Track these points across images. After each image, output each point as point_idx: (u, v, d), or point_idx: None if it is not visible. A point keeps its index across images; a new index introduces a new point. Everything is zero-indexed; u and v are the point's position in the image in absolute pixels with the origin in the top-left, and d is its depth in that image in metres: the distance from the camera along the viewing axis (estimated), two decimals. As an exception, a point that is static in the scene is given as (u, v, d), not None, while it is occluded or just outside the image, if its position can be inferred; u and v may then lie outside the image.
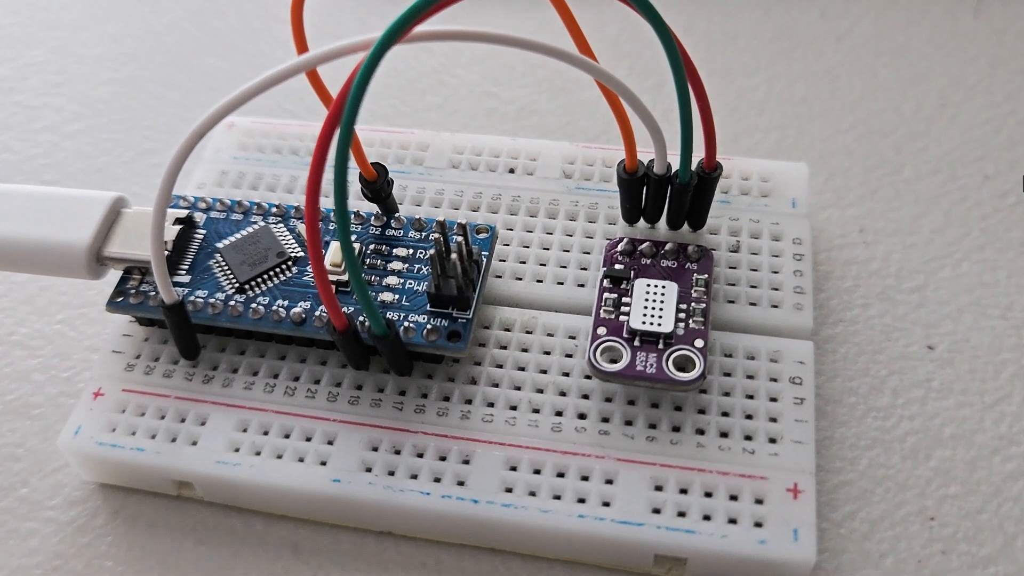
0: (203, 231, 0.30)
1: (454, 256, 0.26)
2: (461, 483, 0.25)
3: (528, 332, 0.28)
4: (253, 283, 0.28)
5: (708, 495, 0.25)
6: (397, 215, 0.29)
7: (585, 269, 0.29)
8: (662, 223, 0.30)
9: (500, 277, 0.29)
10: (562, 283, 0.29)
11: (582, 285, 0.29)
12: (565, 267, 0.29)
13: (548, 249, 0.30)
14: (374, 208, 0.30)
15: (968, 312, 0.30)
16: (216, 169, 0.33)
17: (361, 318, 0.26)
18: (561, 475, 0.25)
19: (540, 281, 0.29)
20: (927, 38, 0.38)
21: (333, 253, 0.28)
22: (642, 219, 0.30)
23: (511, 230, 0.30)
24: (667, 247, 0.28)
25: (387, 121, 0.37)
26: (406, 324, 0.27)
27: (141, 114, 0.38)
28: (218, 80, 0.39)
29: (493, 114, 0.37)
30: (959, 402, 0.28)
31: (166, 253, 0.28)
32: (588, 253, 0.30)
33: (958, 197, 0.33)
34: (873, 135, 0.35)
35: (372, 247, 0.29)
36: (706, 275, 0.28)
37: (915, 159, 0.35)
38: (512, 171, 0.32)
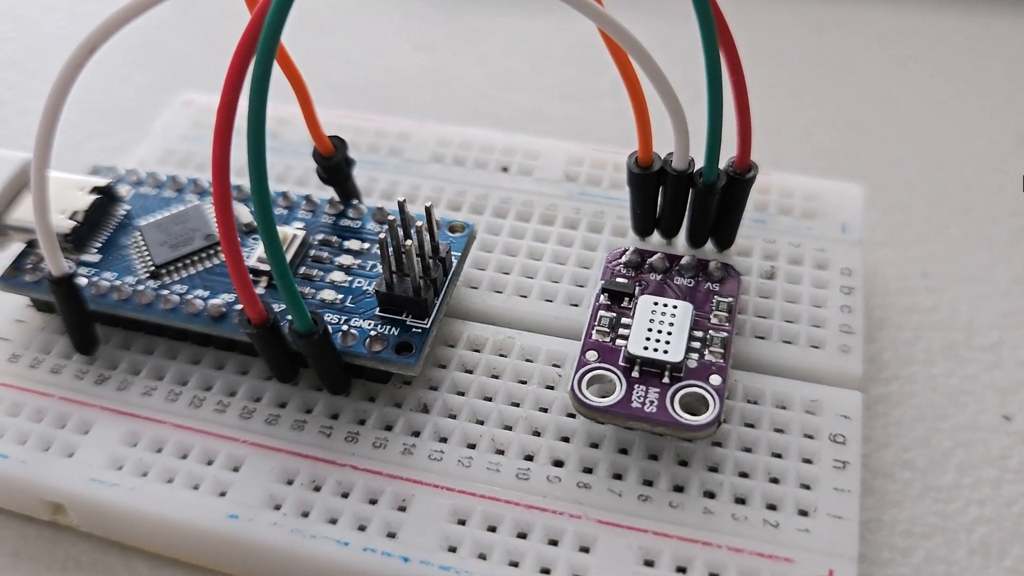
0: (128, 207, 0.25)
1: (409, 243, 0.20)
2: (392, 535, 0.20)
3: (502, 355, 0.22)
4: (171, 268, 0.23)
5: (714, 577, 0.19)
6: (356, 203, 0.24)
7: (582, 286, 0.24)
8: (681, 238, 0.24)
9: (475, 288, 0.24)
10: (551, 300, 0.23)
11: (576, 304, 0.23)
12: (557, 282, 0.24)
13: (538, 260, 0.24)
14: (331, 194, 0.25)
15: (1056, 379, 0.24)
16: (162, 147, 0.28)
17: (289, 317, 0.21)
18: (522, 535, 0.20)
19: (524, 296, 0.24)
20: (1005, 71, 0.33)
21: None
22: (656, 231, 0.24)
23: (496, 235, 0.25)
24: (683, 261, 0.23)
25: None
26: (345, 328, 0.21)
27: (100, 96, 0.34)
28: (188, 65, 0.35)
29: (492, 117, 0.32)
30: (1045, 488, 0.22)
31: (75, 224, 0.23)
32: (587, 268, 0.24)
33: (1042, 245, 0.27)
34: (938, 168, 0.30)
35: (321, 237, 0.23)
36: (730, 298, 0.22)
37: (989, 199, 0.29)
38: (505, 170, 0.27)
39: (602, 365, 0.21)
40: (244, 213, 0.24)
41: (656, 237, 0.24)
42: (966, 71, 0.34)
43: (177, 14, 0.37)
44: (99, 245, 0.24)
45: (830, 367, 0.22)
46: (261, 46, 0.17)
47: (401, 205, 0.21)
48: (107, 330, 0.23)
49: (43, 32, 0.37)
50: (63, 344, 0.23)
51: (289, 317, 0.20)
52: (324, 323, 0.20)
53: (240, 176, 0.27)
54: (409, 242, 0.20)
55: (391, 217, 0.21)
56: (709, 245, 0.24)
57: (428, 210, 0.21)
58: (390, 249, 0.21)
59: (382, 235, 0.20)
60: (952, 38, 0.35)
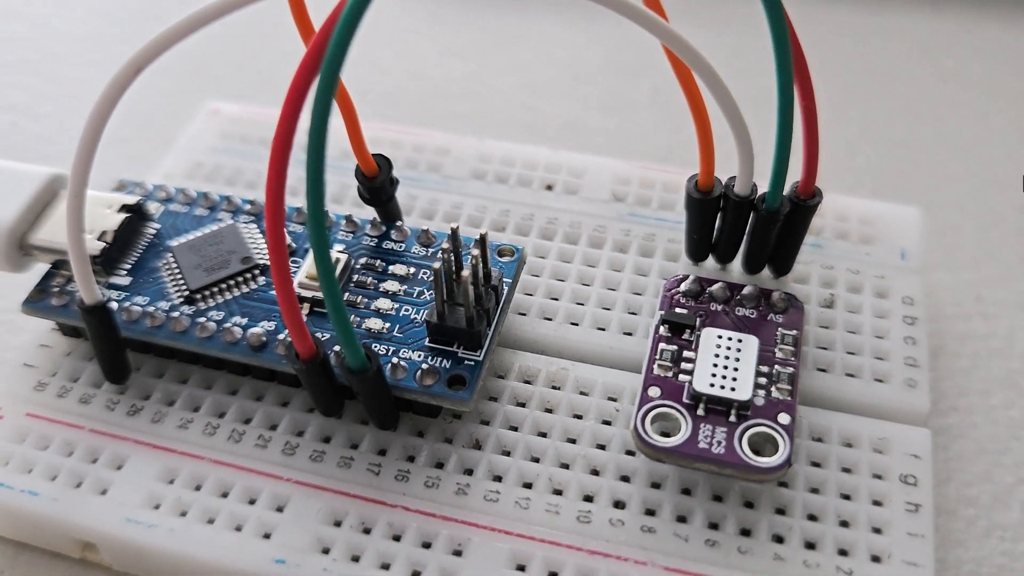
0: (157, 225, 0.24)
1: (466, 274, 0.19)
2: (448, 582, 0.19)
3: (555, 387, 0.21)
4: (207, 293, 0.22)
5: (788, 631, 0.18)
6: (400, 224, 0.23)
7: (634, 314, 0.23)
8: (736, 264, 0.23)
9: (524, 314, 0.23)
10: (603, 328, 0.23)
11: (629, 333, 0.22)
12: (609, 309, 0.23)
13: (588, 285, 0.23)
14: (372, 214, 0.23)
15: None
16: (189, 159, 0.27)
17: (337, 347, 0.20)
18: (585, 583, 0.19)
19: (575, 324, 0.23)
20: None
21: (310, 262, 0.22)
22: (711, 256, 0.23)
23: (543, 258, 0.24)
24: (745, 291, 0.22)
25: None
26: (395, 361, 0.20)
27: (122, 101, 0.33)
28: (214, 71, 0.34)
29: (530, 129, 0.31)
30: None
31: (104, 245, 0.22)
32: (639, 294, 0.23)
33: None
34: (990, 188, 0.29)
35: (364, 261, 0.22)
36: (795, 331, 0.21)
37: (1043, 220, 0.28)
38: (550, 188, 0.26)
39: (666, 402, 0.20)
40: (282, 234, 0.23)
41: (710, 262, 0.23)
42: (1011, 85, 0.33)
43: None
44: (128, 267, 0.23)
45: (896, 402, 0.21)
46: (326, 64, 0.15)
47: (454, 232, 0.20)
48: (138, 357, 0.22)
49: (58, 32, 0.36)
50: (91, 371, 0.22)
51: (337, 347, 0.19)
52: (378, 360, 0.19)
53: (263, 191, 0.26)
54: (466, 273, 0.19)
55: (444, 245, 0.20)
56: (765, 272, 0.23)
57: (483, 239, 0.20)
58: (444, 280, 0.20)
59: (437, 264, 0.19)
60: (995, 49, 0.34)
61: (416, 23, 0.34)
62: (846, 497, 0.20)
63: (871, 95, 0.32)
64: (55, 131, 0.32)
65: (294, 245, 0.23)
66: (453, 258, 0.20)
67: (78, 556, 0.21)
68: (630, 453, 0.20)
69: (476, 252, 0.20)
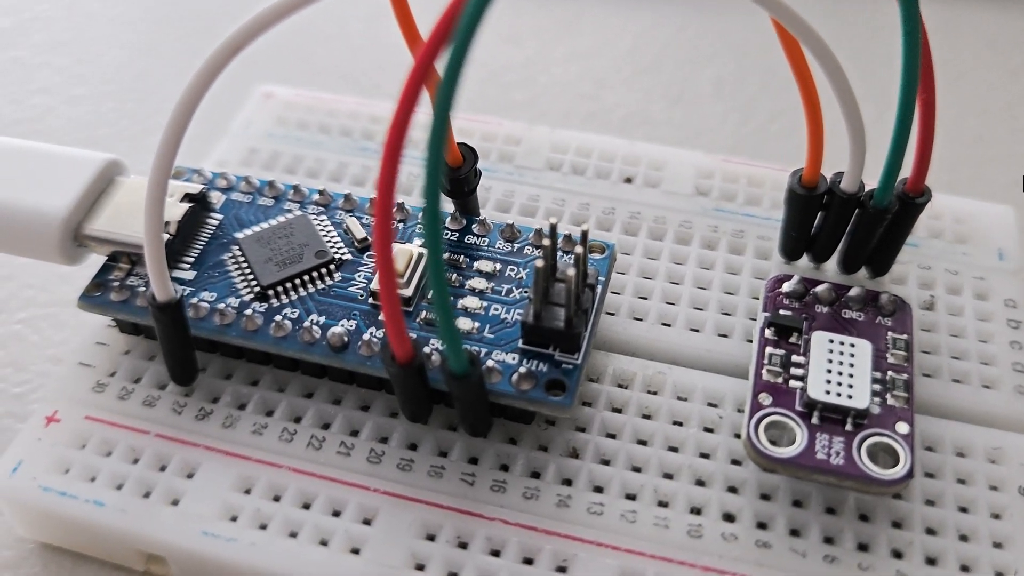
0: (219, 216, 0.22)
1: (571, 272, 0.18)
2: (554, 601, 0.17)
3: (652, 392, 0.20)
4: (279, 289, 0.21)
5: (919, 654, 0.17)
6: (483, 218, 0.22)
7: (728, 315, 0.22)
8: (831, 263, 0.22)
9: (613, 314, 0.22)
10: (697, 330, 0.21)
11: (725, 335, 0.21)
12: (702, 309, 0.22)
13: (678, 284, 0.22)
14: (448, 207, 0.22)
15: None
16: (244, 145, 0.26)
17: (429, 348, 0.19)
18: (700, 602, 0.18)
19: (667, 325, 0.21)
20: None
21: (397, 258, 0.20)
22: (806, 255, 0.22)
23: (627, 254, 0.23)
24: (851, 292, 0.21)
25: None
26: (488, 364, 0.19)
27: (157, 84, 0.31)
28: (253, 53, 0.32)
29: (593, 119, 0.30)
30: None
31: (167, 237, 0.21)
32: (732, 294, 0.22)
33: None
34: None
35: (446, 256, 0.21)
36: (905, 335, 0.20)
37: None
38: (629, 180, 0.24)
39: (779, 410, 0.19)
40: (355, 227, 0.22)
41: (803, 260, 0.22)
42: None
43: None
44: (191, 260, 0.21)
45: (1007, 410, 0.20)
46: (452, 54, 0.14)
47: (553, 228, 0.19)
48: (203, 357, 0.21)
49: (89, 11, 0.34)
50: (154, 371, 0.21)
51: (429, 349, 0.18)
52: (480, 364, 0.18)
53: (326, 180, 0.25)
54: (571, 271, 0.18)
55: (545, 241, 0.19)
56: (861, 272, 0.22)
57: (584, 236, 0.19)
58: (543, 279, 0.19)
59: (540, 263, 0.18)
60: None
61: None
62: (963, 510, 0.19)
63: (940, 91, 0.31)
64: (92, 116, 0.30)
65: (370, 239, 0.21)
66: (552, 253, 0.19)
67: (142, 569, 0.20)
68: (736, 463, 0.19)
69: (579, 250, 0.19)
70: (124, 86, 0.32)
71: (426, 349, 0.19)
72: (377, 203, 0.15)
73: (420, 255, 0.21)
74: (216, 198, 0.23)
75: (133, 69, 0.32)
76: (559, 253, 0.20)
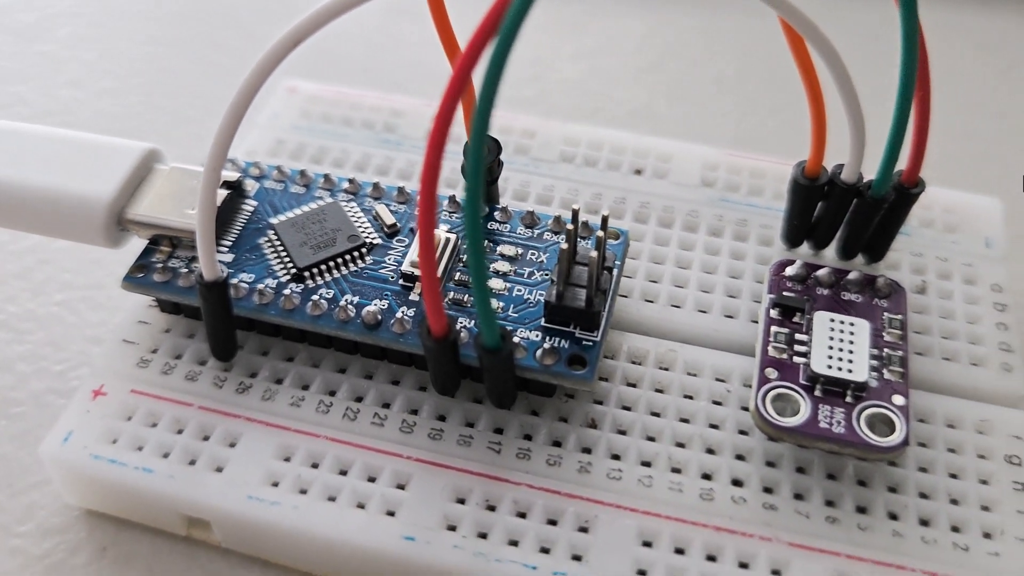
0: (254, 202, 0.23)
1: (594, 255, 0.20)
2: (577, 557, 0.19)
3: (664, 368, 0.22)
4: (315, 271, 0.22)
5: (914, 605, 0.18)
6: (503, 206, 0.23)
7: (734, 297, 0.23)
8: (829, 249, 0.24)
9: (626, 296, 0.23)
10: (705, 312, 0.23)
11: (731, 316, 0.23)
12: (708, 292, 0.23)
13: (687, 268, 0.24)
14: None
15: None
16: (271, 136, 0.27)
17: (462, 324, 0.20)
18: (712, 558, 0.19)
19: (677, 306, 0.23)
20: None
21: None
22: (806, 242, 0.24)
23: (638, 241, 0.24)
24: (850, 276, 0.22)
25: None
26: (515, 340, 0.20)
27: (185, 78, 0.33)
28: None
29: (599, 114, 0.31)
30: None
31: (208, 222, 0.22)
32: (737, 278, 0.23)
33: None
34: (1053, 179, 0.30)
35: (471, 241, 0.22)
36: (900, 315, 0.21)
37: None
38: (639, 172, 0.26)
39: (784, 383, 0.20)
40: (385, 213, 0.23)
41: (804, 247, 0.24)
42: (1062, 80, 0.33)
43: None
44: (229, 243, 0.23)
45: (993, 386, 0.22)
46: (499, 42, 0.15)
47: (576, 214, 0.20)
48: (241, 335, 0.22)
49: (111, 6, 0.35)
50: (194, 349, 0.22)
51: (462, 324, 0.19)
52: (511, 339, 0.19)
53: (351, 170, 0.26)
54: (594, 254, 0.19)
55: (568, 226, 0.20)
56: (858, 257, 0.24)
57: (605, 220, 0.20)
58: (566, 261, 0.20)
59: (565, 245, 0.20)
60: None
61: (477, 6, 0.34)
62: (954, 476, 0.20)
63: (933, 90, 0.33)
64: (120, 108, 0.31)
65: (399, 224, 0.23)
66: (574, 237, 0.20)
67: (184, 533, 0.21)
68: (743, 433, 0.21)
69: (600, 234, 0.20)
70: (151, 79, 0.33)
71: (462, 324, 0.21)
72: (422, 184, 0.17)
73: (447, 240, 0.22)
74: (250, 186, 0.24)
75: (160, 63, 0.33)
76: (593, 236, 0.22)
